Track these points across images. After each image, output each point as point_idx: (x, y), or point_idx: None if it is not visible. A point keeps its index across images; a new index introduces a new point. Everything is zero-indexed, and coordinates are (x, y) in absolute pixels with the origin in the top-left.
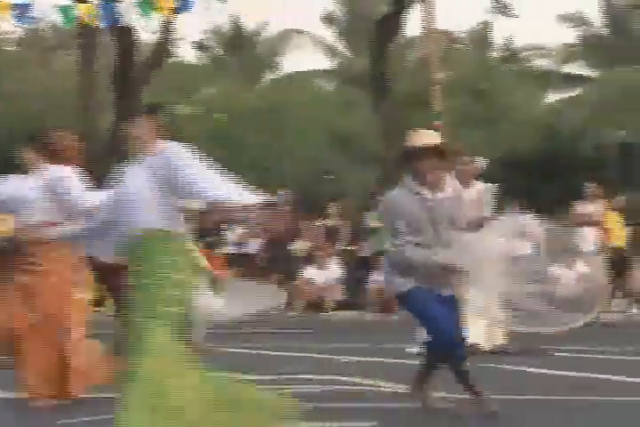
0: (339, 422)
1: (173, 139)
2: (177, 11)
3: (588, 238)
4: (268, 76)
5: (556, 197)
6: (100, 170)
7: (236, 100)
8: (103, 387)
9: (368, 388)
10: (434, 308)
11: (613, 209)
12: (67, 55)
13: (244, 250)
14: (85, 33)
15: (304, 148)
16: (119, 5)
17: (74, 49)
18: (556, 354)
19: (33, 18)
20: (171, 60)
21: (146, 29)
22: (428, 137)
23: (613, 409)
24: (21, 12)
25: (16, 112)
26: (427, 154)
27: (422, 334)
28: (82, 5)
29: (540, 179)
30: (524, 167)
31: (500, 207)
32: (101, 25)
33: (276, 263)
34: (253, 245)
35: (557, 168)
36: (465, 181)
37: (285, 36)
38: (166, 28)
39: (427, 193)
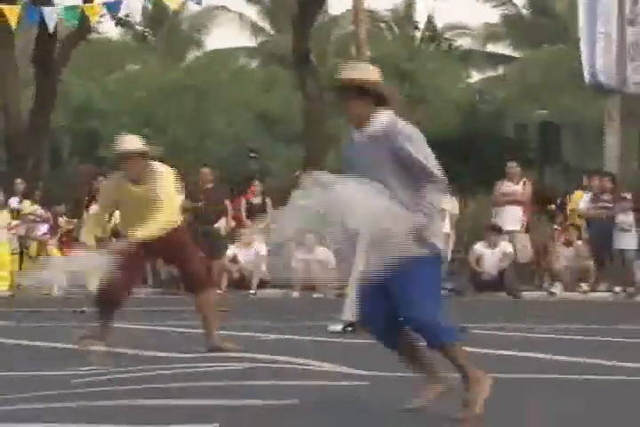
0: (261, 399)
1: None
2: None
3: (512, 218)
4: (193, 54)
5: (478, 176)
6: (22, 146)
7: (159, 77)
8: None
9: (290, 366)
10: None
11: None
12: None
13: None
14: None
15: (228, 126)
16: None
17: None
18: (479, 332)
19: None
20: (95, 37)
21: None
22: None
23: (542, 385)
24: None
25: None
26: None
27: (347, 313)
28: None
29: (462, 159)
30: (446, 148)
31: None
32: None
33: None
34: None
35: (478, 148)
36: None
37: (209, 13)
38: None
39: None
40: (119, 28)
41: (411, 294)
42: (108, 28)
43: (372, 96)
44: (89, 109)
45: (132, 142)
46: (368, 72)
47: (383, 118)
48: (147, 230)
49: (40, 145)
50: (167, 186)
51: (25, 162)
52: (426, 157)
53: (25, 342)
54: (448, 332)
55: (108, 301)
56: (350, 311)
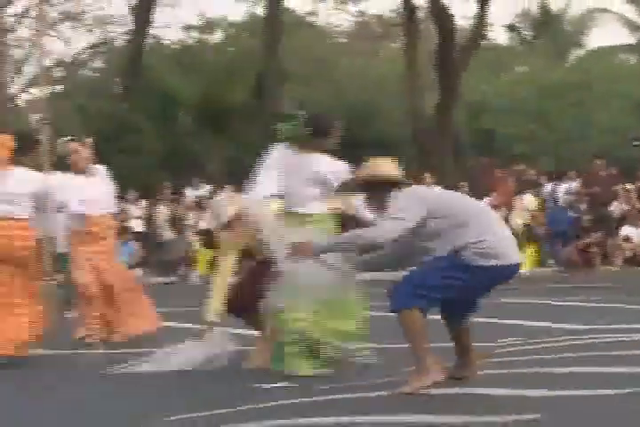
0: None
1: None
2: None
3: None
4: (575, 53)
5: None
6: (428, 143)
7: (545, 76)
8: None
9: None
10: None
11: None
12: (392, 44)
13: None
14: (408, 23)
15: (609, 117)
16: None
17: (399, 38)
18: None
19: None
20: (485, 42)
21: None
22: None
23: None
24: None
25: (343, 98)
26: None
27: None
28: None
29: None
30: None
31: None
32: None
33: (597, 223)
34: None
35: None
36: None
37: (590, 15)
38: (480, 14)
39: None
40: (507, 34)
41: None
42: (496, 35)
43: None
44: (484, 108)
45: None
46: None
47: None
48: None
49: (445, 142)
50: None
51: (432, 158)
52: None
53: None
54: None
55: None
56: None
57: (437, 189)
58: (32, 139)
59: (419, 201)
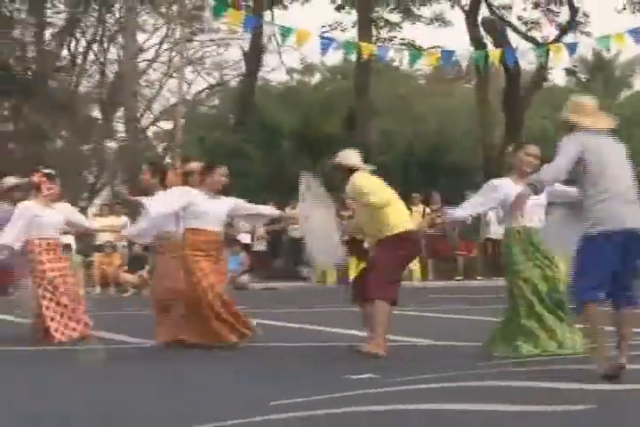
0: None
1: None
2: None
3: None
4: (624, 93)
5: None
6: (496, 171)
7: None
8: None
9: None
10: None
11: None
12: (465, 84)
13: None
14: (480, 67)
15: None
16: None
17: (472, 80)
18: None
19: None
20: (546, 84)
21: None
22: None
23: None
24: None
25: (421, 130)
26: None
27: None
28: (493, 51)
29: None
30: None
31: None
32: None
33: None
34: None
35: None
36: None
37: (637, 61)
38: (542, 60)
39: None
40: (565, 76)
41: None
42: (555, 77)
43: None
44: (544, 140)
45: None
46: None
47: None
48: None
49: None
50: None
51: None
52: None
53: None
54: None
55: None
56: None
57: None
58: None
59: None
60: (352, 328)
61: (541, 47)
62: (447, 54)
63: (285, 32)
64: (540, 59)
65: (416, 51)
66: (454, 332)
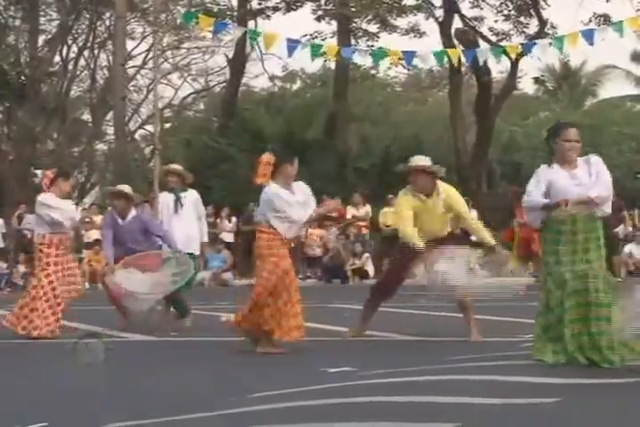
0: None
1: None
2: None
3: None
4: (589, 102)
5: None
6: (466, 172)
7: (564, 120)
8: None
9: None
10: None
11: None
12: (439, 92)
13: None
14: (453, 76)
15: (619, 155)
16: (477, 50)
17: (445, 87)
18: None
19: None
20: (515, 92)
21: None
22: None
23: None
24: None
25: (398, 136)
26: None
27: None
28: (452, 50)
29: None
30: None
31: None
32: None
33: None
34: None
35: None
36: None
37: (602, 71)
38: (512, 70)
39: None
40: (534, 84)
41: None
42: (524, 85)
43: None
44: (513, 146)
45: (421, 161)
46: None
47: None
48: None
49: (479, 172)
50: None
51: (470, 185)
52: None
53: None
54: None
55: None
56: None
57: None
58: None
59: None
60: (329, 324)
61: (498, 48)
62: (409, 54)
63: (254, 35)
64: (496, 57)
65: (380, 51)
66: (433, 327)
